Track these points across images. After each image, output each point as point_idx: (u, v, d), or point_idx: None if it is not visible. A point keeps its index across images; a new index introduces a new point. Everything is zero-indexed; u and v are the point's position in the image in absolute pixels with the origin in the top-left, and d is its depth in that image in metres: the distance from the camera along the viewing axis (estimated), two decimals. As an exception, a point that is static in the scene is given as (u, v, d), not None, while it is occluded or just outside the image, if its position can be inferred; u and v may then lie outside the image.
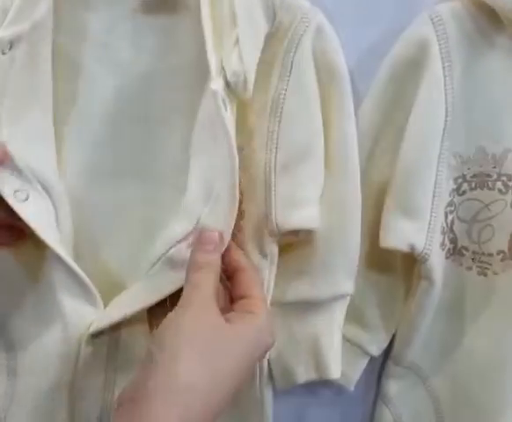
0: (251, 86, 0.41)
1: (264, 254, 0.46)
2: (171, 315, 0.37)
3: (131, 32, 0.46)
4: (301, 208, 0.45)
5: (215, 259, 0.40)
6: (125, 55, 0.47)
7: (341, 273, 0.48)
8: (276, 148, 0.45)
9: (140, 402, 0.33)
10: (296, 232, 0.46)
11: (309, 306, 0.49)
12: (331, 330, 0.49)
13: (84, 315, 0.44)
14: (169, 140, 0.47)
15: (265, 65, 0.44)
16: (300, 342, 0.50)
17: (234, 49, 0.41)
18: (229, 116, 0.41)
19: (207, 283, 0.38)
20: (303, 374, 0.50)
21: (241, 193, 0.46)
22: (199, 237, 0.40)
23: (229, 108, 0.41)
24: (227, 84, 0.41)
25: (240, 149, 0.45)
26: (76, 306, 0.44)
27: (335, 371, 0.49)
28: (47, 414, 0.45)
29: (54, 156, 0.44)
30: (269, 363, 0.51)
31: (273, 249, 0.46)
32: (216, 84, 0.40)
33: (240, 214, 0.46)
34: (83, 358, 0.44)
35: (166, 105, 0.47)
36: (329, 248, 0.47)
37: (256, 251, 0.46)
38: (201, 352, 0.35)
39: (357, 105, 0.49)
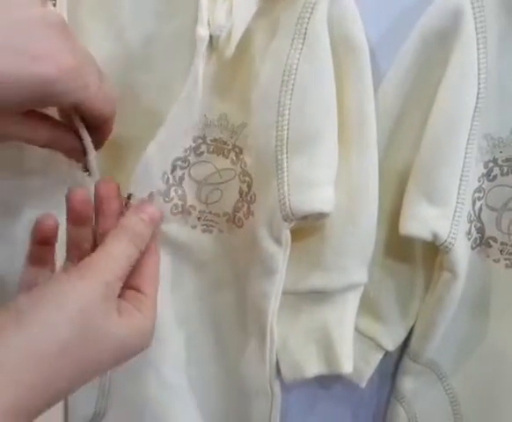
0: (233, 44, 0.39)
1: (278, 241, 0.44)
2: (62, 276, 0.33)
3: None
4: (316, 190, 0.43)
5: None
6: (124, 18, 0.44)
7: (354, 261, 0.46)
8: (288, 123, 0.42)
9: None
10: (308, 217, 0.44)
11: (320, 296, 0.47)
12: (343, 321, 0.47)
13: None
14: (169, 107, 0.44)
15: (277, 30, 0.41)
16: (310, 334, 0.48)
17: (224, 3, 0.39)
18: (203, 68, 0.39)
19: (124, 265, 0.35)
20: (313, 367, 0.48)
21: (249, 176, 0.45)
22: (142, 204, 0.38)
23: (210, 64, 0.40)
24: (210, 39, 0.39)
25: (242, 126, 0.44)
26: None
27: (347, 365, 0.47)
28: None
29: None
30: (276, 355, 0.49)
31: (287, 235, 0.44)
32: (204, 31, 0.39)
33: (250, 199, 0.45)
34: None
35: (166, 72, 0.44)
36: (341, 233, 0.45)
37: (269, 238, 0.44)
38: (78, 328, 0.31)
39: (378, 82, 0.46)
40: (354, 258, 0.46)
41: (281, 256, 0.44)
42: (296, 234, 0.46)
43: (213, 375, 0.50)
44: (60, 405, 0.45)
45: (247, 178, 0.45)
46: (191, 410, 0.50)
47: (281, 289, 0.45)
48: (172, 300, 0.48)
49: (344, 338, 0.47)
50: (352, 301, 0.47)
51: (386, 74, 0.46)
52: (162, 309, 0.44)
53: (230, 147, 0.45)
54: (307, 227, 0.46)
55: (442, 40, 0.43)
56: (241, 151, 0.45)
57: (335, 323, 0.47)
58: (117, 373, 0.47)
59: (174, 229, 0.46)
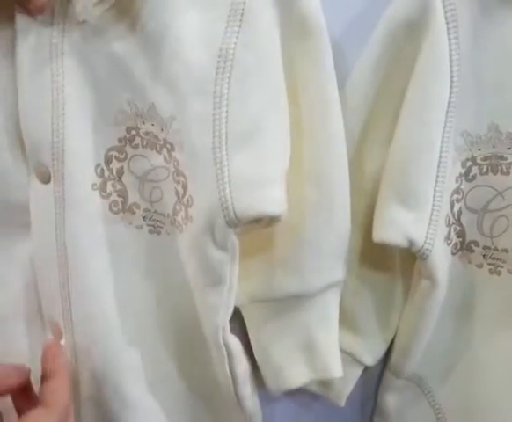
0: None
1: (222, 247, 0.40)
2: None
3: None
4: (263, 191, 0.39)
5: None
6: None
7: (331, 257, 0.44)
8: (226, 116, 0.38)
9: None
10: (258, 221, 0.40)
11: (299, 300, 0.45)
12: (326, 323, 0.46)
13: None
14: None
15: (207, 7, 0.38)
16: (293, 340, 0.46)
17: None
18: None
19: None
20: (299, 375, 0.46)
21: (183, 176, 0.41)
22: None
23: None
24: None
25: (171, 119, 0.39)
26: None
27: (336, 369, 0.45)
28: None
29: None
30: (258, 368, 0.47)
31: (233, 240, 0.40)
32: None
33: (187, 202, 0.41)
34: None
35: None
36: (315, 232, 0.43)
37: (212, 244, 0.40)
38: None
39: (345, 76, 0.44)
40: (330, 256, 0.44)
41: (228, 263, 0.41)
42: (266, 237, 0.44)
43: (178, 393, 0.47)
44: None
45: (181, 179, 0.40)
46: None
47: (232, 301, 0.43)
48: (122, 311, 0.44)
49: (330, 341, 0.45)
50: (333, 300, 0.45)
51: (353, 69, 0.44)
52: (111, 321, 0.43)
53: (161, 142, 0.41)
54: (278, 228, 0.43)
55: (411, 32, 0.42)
56: (173, 148, 0.40)
57: (319, 326, 0.45)
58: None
59: (116, 230, 0.43)
